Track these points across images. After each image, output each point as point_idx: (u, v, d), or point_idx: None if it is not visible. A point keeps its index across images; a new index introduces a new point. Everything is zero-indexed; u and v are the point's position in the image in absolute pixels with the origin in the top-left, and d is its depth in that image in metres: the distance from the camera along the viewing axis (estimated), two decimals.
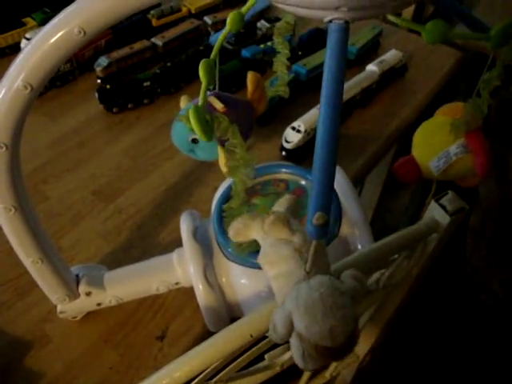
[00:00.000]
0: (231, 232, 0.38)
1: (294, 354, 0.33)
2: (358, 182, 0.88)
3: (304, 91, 0.91)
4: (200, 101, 0.38)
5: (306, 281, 0.32)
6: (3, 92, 0.35)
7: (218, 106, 0.42)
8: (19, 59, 0.35)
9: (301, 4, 0.31)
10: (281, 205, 0.40)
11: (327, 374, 0.79)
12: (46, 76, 0.35)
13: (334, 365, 0.77)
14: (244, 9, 0.42)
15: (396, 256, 0.50)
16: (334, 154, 0.31)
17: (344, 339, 0.31)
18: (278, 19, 1.07)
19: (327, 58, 0.31)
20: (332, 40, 0.31)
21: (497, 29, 0.35)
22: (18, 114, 0.37)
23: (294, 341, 0.32)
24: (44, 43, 0.34)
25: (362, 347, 0.77)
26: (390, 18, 0.34)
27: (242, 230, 0.38)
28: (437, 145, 0.53)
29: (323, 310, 0.30)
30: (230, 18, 0.41)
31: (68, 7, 0.34)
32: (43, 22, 1.04)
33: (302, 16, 0.32)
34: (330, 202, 0.30)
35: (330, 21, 0.32)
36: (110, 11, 0.33)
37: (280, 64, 0.51)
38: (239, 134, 0.39)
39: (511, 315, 1.35)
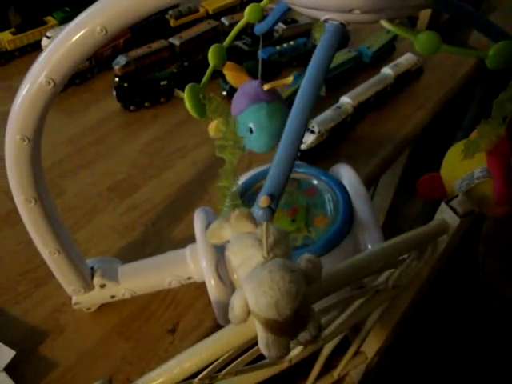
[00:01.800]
0: (207, 234, 0.39)
1: (259, 341, 0.34)
2: (370, 184, 0.89)
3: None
4: (203, 80, 0.40)
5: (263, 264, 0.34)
6: (27, 87, 0.37)
7: (286, 81, 0.43)
8: (43, 56, 0.36)
9: (315, 6, 0.32)
10: None
11: (335, 374, 0.80)
12: (69, 72, 0.36)
13: (342, 364, 0.78)
14: (263, 2, 0.43)
15: (405, 256, 0.51)
16: (294, 147, 0.32)
17: (290, 312, 0.32)
18: (294, 21, 1.08)
19: (315, 52, 0.32)
20: (324, 39, 0.33)
21: (495, 48, 0.33)
22: (41, 109, 0.38)
23: (257, 326, 0.33)
24: (67, 40, 0.35)
25: (371, 348, 0.77)
26: (384, 23, 0.34)
27: (217, 230, 0.38)
28: (465, 166, 0.51)
29: (270, 284, 0.32)
30: (248, 8, 0.43)
31: (91, 6, 0.35)
32: (63, 21, 1.06)
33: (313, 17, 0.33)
34: (280, 189, 0.31)
35: (326, 20, 0.33)
36: (131, 11, 0.34)
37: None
38: (228, 115, 0.40)
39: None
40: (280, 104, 0.44)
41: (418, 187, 0.55)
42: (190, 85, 0.40)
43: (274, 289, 0.32)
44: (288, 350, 0.34)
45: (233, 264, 0.36)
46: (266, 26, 0.45)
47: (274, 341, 0.33)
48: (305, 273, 0.33)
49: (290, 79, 0.44)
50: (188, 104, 0.40)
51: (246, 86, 0.47)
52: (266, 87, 0.45)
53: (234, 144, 0.41)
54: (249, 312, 0.33)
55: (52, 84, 0.36)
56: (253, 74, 0.92)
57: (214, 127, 0.45)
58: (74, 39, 0.35)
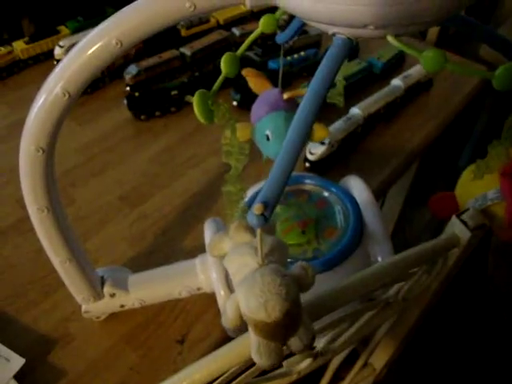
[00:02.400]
0: (209, 248, 0.39)
1: (251, 348, 0.34)
2: (380, 195, 0.89)
3: (327, 104, 0.91)
4: (213, 87, 0.41)
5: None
6: (42, 98, 0.37)
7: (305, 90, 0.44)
8: (59, 67, 0.36)
9: (328, 21, 0.33)
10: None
11: None
12: (84, 84, 0.37)
13: (350, 376, 0.78)
14: (278, 13, 0.43)
15: (416, 269, 0.50)
16: (293, 158, 0.32)
17: (279, 314, 0.32)
18: (304, 32, 1.08)
19: (320, 65, 0.33)
20: (331, 52, 0.33)
21: (503, 69, 0.32)
22: (56, 120, 0.38)
23: (250, 333, 0.34)
24: (83, 53, 0.35)
25: (380, 360, 0.77)
26: (390, 39, 0.34)
27: (217, 243, 0.39)
28: (480, 186, 0.50)
29: (261, 287, 0.32)
30: (263, 19, 0.43)
31: (106, 20, 0.35)
32: (76, 30, 1.07)
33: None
34: (275, 198, 0.31)
35: (334, 34, 0.34)
36: (146, 24, 0.35)
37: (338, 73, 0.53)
38: (235, 122, 0.42)
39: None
40: None
41: (431, 205, 0.54)
42: (199, 91, 0.41)
43: (265, 291, 0.32)
44: (280, 358, 0.35)
45: (229, 272, 0.37)
46: (287, 35, 0.45)
47: (266, 347, 0.34)
48: (297, 278, 0.34)
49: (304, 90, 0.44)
50: (196, 109, 0.40)
51: (266, 94, 0.47)
52: (285, 96, 0.45)
53: (240, 150, 0.43)
54: (241, 316, 0.33)
55: (67, 96, 0.37)
56: None
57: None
58: (90, 52, 0.35)
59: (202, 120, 0.41)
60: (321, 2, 0.31)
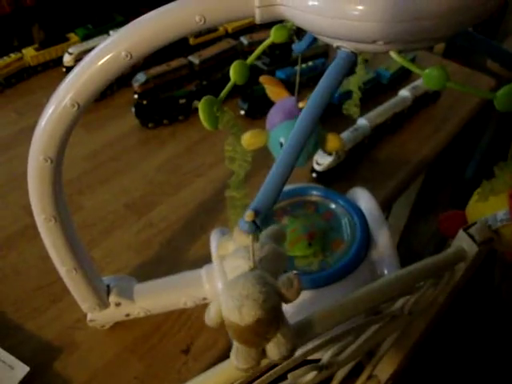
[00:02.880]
0: (218, 244, 0.40)
1: (232, 349, 0.36)
2: (386, 206, 0.89)
3: (335, 114, 0.91)
4: (221, 94, 0.42)
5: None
6: (52, 109, 0.37)
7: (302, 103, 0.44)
8: (68, 79, 0.37)
9: (341, 37, 0.33)
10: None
11: None
12: (93, 95, 0.37)
13: None
14: (289, 24, 0.44)
15: (422, 283, 0.50)
16: (288, 167, 0.33)
17: (252, 320, 0.33)
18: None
19: (323, 77, 0.35)
20: (334, 64, 0.35)
21: (504, 90, 0.32)
22: (64, 131, 0.39)
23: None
24: (93, 65, 0.36)
25: (385, 372, 0.76)
26: (393, 55, 0.34)
27: (225, 243, 0.40)
28: (490, 207, 0.49)
29: (241, 290, 0.33)
30: (275, 29, 0.43)
31: (116, 32, 0.35)
32: (85, 38, 1.08)
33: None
34: (267, 206, 0.33)
35: (339, 47, 0.35)
36: (155, 37, 0.35)
37: (354, 84, 0.53)
38: (238, 129, 0.42)
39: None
40: None
41: (441, 223, 0.53)
42: (206, 97, 0.41)
43: (243, 295, 0.33)
44: (257, 363, 0.36)
45: (226, 272, 0.38)
46: (303, 45, 0.46)
47: (243, 350, 0.35)
48: (280, 288, 0.35)
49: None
50: (201, 115, 0.41)
51: (282, 102, 0.48)
52: (300, 105, 0.46)
53: (242, 157, 0.44)
54: (221, 316, 0.34)
55: (76, 107, 0.37)
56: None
57: (247, 139, 0.46)
58: (100, 63, 0.35)
59: (206, 125, 0.41)
60: (332, 17, 0.31)
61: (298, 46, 0.47)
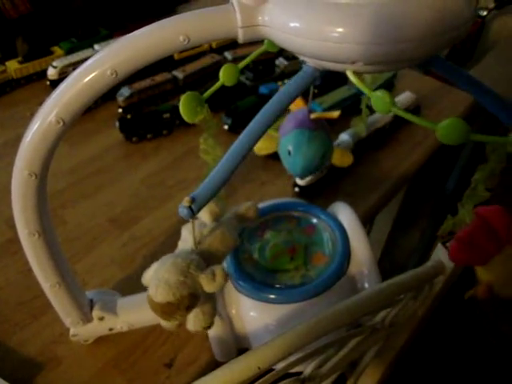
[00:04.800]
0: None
1: None
2: (368, 220, 0.90)
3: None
4: (207, 93, 0.45)
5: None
6: (37, 125, 0.38)
7: (334, 114, 0.45)
8: (54, 95, 0.37)
9: (321, 57, 0.34)
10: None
11: None
12: (78, 112, 0.38)
13: None
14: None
15: (402, 296, 0.51)
16: (233, 165, 0.37)
17: (161, 300, 0.39)
18: (295, 57, 1.10)
19: (284, 86, 0.38)
20: (298, 76, 0.38)
21: (446, 122, 0.33)
22: (49, 146, 0.39)
23: None
24: (78, 82, 0.36)
25: (367, 383, 0.77)
26: (349, 75, 0.35)
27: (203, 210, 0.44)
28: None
29: (163, 273, 0.39)
30: (266, 43, 0.45)
31: (102, 50, 0.36)
32: (70, 51, 1.08)
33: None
34: (204, 197, 0.37)
35: (304, 62, 0.37)
36: (140, 56, 0.36)
37: (363, 102, 0.55)
38: (213, 126, 0.45)
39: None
40: (323, 134, 0.46)
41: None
42: (190, 92, 0.44)
43: (163, 276, 0.39)
44: (175, 328, 0.42)
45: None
46: None
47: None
48: (200, 280, 0.39)
49: (337, 113, 0.46)
50: (181, 107, 0.43)
51: (296, 112, 0.49)
52: (312, 116, 0.47)
53: (214, 151, 0.48)
54: None
55: (61, 123, 0.38)
56: (253, 110, 0.94)
57: (258, 144, 0.47)
58: (85, 81, 0.36)
59: (184, 117, 0.44)
60: (312, 39, 0.32)
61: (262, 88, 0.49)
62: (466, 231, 0.42)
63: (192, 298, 0.40)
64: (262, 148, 0.47)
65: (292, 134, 0.46)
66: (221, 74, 0.46)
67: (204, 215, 0.44)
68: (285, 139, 0.47)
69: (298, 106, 0.51)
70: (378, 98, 0.33)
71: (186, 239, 0.42)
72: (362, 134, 0.57)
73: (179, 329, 0.62)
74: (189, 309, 0.40)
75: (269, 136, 0.47)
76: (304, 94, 0.51)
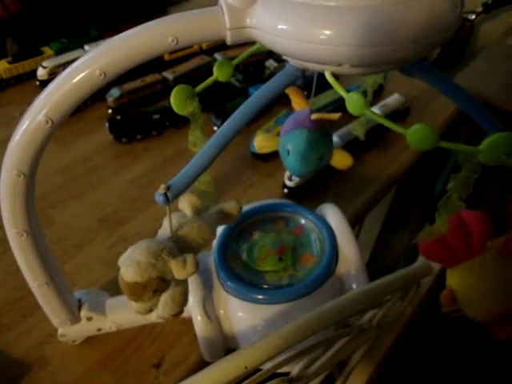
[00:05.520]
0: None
1: None
2: (358, 221, 0.90)
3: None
4: (199, 86, 0.46)
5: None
6: (26, 125, 0.38)
7: (334, 116, 0.46)
8: (43, 96, 0.37)
9: (308, 59, 0.34)
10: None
11: None
12: (67, 112, 0.38)
13: None
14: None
15: (389, 296, 0.52)
16: (210, 157, 0.40)
17: (130, 280, 0.41)
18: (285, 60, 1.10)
19: (266, 83, 0.41)
20: (281, 73, 0.40)
21: (414, 128, 0.33)
22: (38, 146, 0.39)
23: None
24: (67, 82, 0.36)
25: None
26: (328, 76, 0.36)
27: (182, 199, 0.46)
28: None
29: (136, 254, 0.41)
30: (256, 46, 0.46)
31: (90, 51, 0.36)
32: (60, 52, 1.08)
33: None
34: (180, 185, 0.39)
35: (286, 60, 0.39)
36: (129, 57, 0.36)
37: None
38: (200, 119, 0.47)
39: (508, 359, 1.35)
40: (322, 135, 0.46)
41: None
42: (182, 85, 0.45)
43: (135, 258, 0.41)
44: (145, 312, 0.44)
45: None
46: None
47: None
48: (171, 266, 0.41)
49: (337, 115, 0.46)
50: (173, 98, 0.45)
51: (298, 112, 0.49)
52: (313, 116, 0.47)
53: (201, 144, 0.48)
54: None
55: (50, 123, 0.38)
56: None
57: (259, 142, 0.47)
58: (74, 81, 0.36)
59: (174, 108, 0.45)
60: (299, 41, 0.32)
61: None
62: None
63: (160, 281, 0.41)
64: (263, 146, 0.47)
65: (292, 134, 0.47)
66: (214, 69, 0.47)
67: (185, 206, 0.46)
68: (285, 138, 0.47)
69: (300, 105, 0.51)
70: (352, 100, 0.34)
71: (166, 228, 0.44)
72: (362, 139, 0.58)
73: (167, 329, 0.62)
74: (156, 292, 0.42)
75: (270, 135, 0.48)
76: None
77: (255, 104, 0.41)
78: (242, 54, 0.47)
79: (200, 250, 0.47)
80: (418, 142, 0.34)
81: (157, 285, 0.41)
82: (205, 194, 0.53)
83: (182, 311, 0.46)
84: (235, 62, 0.47)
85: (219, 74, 0.47)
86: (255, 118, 0.51)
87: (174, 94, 0.45)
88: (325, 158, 0.47)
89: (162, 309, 0.45)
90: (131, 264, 0.41)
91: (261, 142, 0.47)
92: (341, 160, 0.48)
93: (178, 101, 0.45)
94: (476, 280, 0.41)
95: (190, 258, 0.42)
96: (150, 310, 0.45)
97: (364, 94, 0.41)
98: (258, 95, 0.41)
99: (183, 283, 0.46)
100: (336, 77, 0.36)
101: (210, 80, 0.47)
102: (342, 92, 0.35)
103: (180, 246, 0.45)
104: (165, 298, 0.45)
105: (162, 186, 0.39)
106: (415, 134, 0.33)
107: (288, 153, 0.46)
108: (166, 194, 0.39)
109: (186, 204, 0.47)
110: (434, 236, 0.40)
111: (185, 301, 0.47)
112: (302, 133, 0.46)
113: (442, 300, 0.44)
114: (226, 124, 0.40)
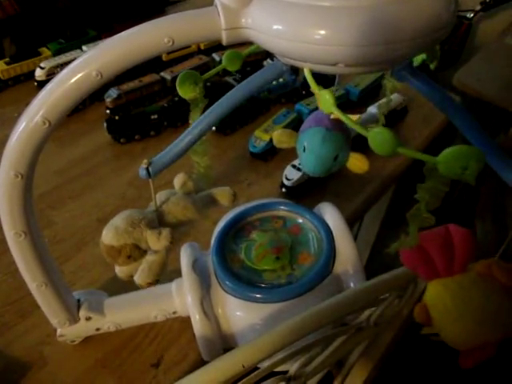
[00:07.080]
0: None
1: None
2: (356, 220, 0.90)
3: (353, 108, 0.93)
4: (206, 74, 0.48)
5: None
6: (23, 125, 0.38)
7: (354, 117, 0.46)
8: (40, 96, 0.37)
9: (304, 59, 0.34)
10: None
11: None
12: (64, 113, 0.38)
13: None
14: None
15: (387, 295, 0.52)
16: (191, 140, 0.48)
17: (107, 243, 0.47)
18: None
19: (253, 75, 0.45)
20: (267, 67, 0.44)
21: (374, 131, 0.34)
22: (35, 147, 0.39)
23: None
24: (64, 83, 0.36)
25: (354, 382, 0.77)
26: (306, 72, 0.39)
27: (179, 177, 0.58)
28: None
29: (117, 220, 0.47)
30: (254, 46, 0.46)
31: (87, 52, 0.36)
32: (58, 52, 1.08)
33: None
34: (162, 164, 0.49)
35: (275, 56, 0.40)
36: (125, 57, 0.36)
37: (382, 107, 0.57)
38: (201, 102, 0.48)
39: (504, 358, 1.35)
40: (340, 134, 0.46)
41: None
42: (190, 71, 0.48)
43: (116, 223, 0.46)
44: (126, 277, 0.55)
45: None
46: None
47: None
48: (147, 236, 0.47)
49: (356, 117, 0.47)
50: (178, 82, 0.47)
51: (320, 110, 0.49)
52: (332, 116, 0.47)
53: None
54: None
55: (47, 124, 0.38)
56: (240, 110, 0.94)
57: (277, 137, 0.48)
58: (71, 82, 0.36)
59: (179, 91, 0.48)
60: (295, 41, 0.33)
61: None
62: (424, 235, 0.41)
63: (134, 248, 0.47)
64: (282, 141, 0.47)
65: (309, 131, 0.47)
66: (224, 58, 0.48)
67: (175, 182, 0.53)
68: (302, 135, 0.47)
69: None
70: (323, 99, 0.37)
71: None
72: (383, 118, 0.59)
73: (166, 329, 0.63)
74: (130, 258, 0.48)
75: (287, 131, 0.48)
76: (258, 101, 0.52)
77: (238, 95, 0.45)
78: (250, 48, 0.48)
79: (179, 227, 0.53)
80: (377, 146, 0.34)
81: (131, 251, 0.47)
82: (204, 176, 0.56)
83: (157, 281, 0.53)
84: (244, 53, 0.49)
85: (227, 62, 0.48)
86: (254, 117, 0.52)
87: (181, 78, 0.47)
88: (340, 159, 0.47)
89: (138, 275, 0.51)
90: (111, 229, 0.47)
91: (280, 137, 0.47)
92: (358, 163, 0.48)
93: (182, 84, 0.47)
94: (451, 300, 0.39)
95: (165, 231, 0.46)
96: (131, 276, 0.51)
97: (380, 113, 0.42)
98: (242, 87, 0.45)
99: (162, 255, 0.51)
100: (334, 77, 0.37)
101: (218, 68, 0.48)
102: (315, 89, 0.36)
103: (161, 219, 0.50)
104: (143, 266, 0.50)
105: (145, 161, 0.46)
106: (374, 138, 0.34)
107: (304, 150, 0.46)
108: (147, 169, 0.45)
109: (176, 180, 0.54)
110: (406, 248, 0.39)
111: (161, 271, 0.53)
112: (319, 131, 0.46)
113: (415, 314, 0.42)
114: (210, 109, 0.44)
